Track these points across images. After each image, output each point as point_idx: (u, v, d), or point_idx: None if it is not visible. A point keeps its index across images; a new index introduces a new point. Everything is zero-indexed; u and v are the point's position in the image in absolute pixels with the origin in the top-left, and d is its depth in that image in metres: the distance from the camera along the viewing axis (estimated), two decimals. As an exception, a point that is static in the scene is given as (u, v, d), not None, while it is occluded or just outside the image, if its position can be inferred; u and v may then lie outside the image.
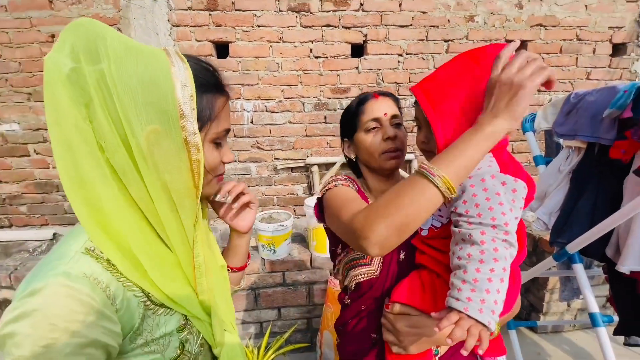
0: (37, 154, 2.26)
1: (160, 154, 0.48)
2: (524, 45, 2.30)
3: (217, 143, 0.56)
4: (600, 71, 2.38)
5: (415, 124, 0.75)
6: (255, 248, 2.00)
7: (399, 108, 0.84)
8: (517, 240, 0.59)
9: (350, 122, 0.85)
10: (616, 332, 1.25)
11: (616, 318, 1.27)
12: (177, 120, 0.48)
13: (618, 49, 2.36)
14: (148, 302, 0.51)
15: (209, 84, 0.53)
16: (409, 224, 0.55)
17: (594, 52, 2.33)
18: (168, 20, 2.11)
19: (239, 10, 2.12)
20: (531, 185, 0.63)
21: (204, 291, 0.57)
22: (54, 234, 2.24)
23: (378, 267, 0.76)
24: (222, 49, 2.22)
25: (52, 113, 0.46)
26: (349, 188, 0.79)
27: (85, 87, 0.44)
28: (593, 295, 1.21)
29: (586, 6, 2.24)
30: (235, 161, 2.37)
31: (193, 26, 2.13)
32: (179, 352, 0.54)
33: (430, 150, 0.71)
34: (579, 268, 1.23)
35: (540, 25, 2.25)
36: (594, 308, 1.17)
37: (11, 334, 0.41)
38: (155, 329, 0.52)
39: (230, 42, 2.17)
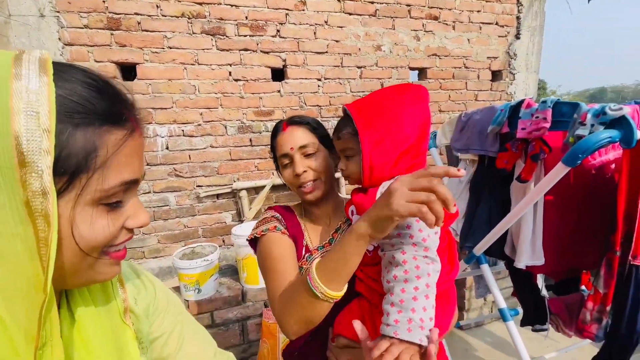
0: None
1: None
2: (424, 71, 2.60)
3: (113, 203, 0.36)
4: (485, 93, 2.82)
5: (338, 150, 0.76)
6: (177, 289, 1.78)
7: (315, 131, 0.82)
8: (448, 254, 0.62)
9: (272, 153, 0.87)
10: (523, 324, 1.40)
11: (521, 310, 1.44)
12: (12, 169, 0.29)
13: (496, 75, 2.84)
14: None
15: (91, 111, 0.34)
16: (313, 318, 0.64)
17: (478, 77, 2.76)
18: (59, 39, 1.84)
19: (147, 30, 1.97)
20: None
21: None
22: None
23: None
24: (128, 71, 2.02)
25: None
26: (276, 235, 0.80)
27: None
28: (499, 291, 1.35)
29: (468, 40, 2.66)
30: (149, 192, 2.12)
31: (91, 45, 1.90)
32: None
33: (349, 176, 0.73)
34: (485, 268, 1.37)
35: (435, 55, 2.59)
36: (502, 304, 1.30)
37: None
38: None
39: (138, 63, 1.99)
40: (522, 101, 1.23)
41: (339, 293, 0.61)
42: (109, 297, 0.46)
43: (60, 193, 0.32)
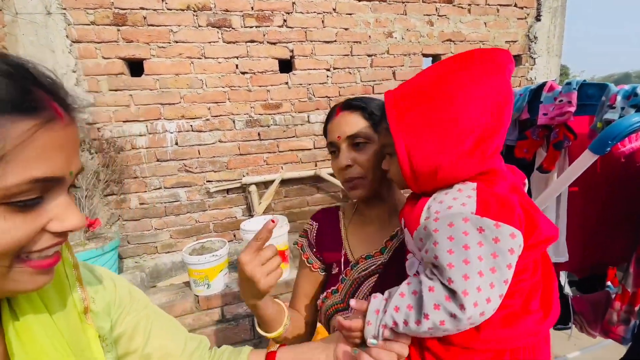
0: None
1: None
2: (438, 58, 2.49)
3: (21, 202, 0.31)
4: (504, 80, 2.68)
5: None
6: (188, 284, 1.79)
7: (372, 118, 0.69)
8: (541, 297, 0.51)
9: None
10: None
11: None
12: None
13: (515, 60, 2.68)
14: None
15: None
16: None
17: (496, 63, 2.62)
18: (67, 36, 1.85)
19: (152, 25, 1.96)
20: (533, 227, 0.47)
21: None
22: None
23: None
24: (136, 67, 2.02)
25: None
26: (304, 271, 0.81)
27: None
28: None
29: (485, 23, 2.52)
30: (160, 188, 2.14)
31: (98, 42, 1.90)
32: None
33: (393, 179, 0.62)
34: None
35: (450, 40, 2.47)
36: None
37: None
38: None
39: (145, 58, 1.98)
40: (543, 84, 1.14)
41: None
42: (65, 299, 0.43)
43: None
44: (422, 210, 0.52)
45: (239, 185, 2.24)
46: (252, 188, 2.24)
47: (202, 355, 0.59)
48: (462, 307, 0.43)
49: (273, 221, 0.56)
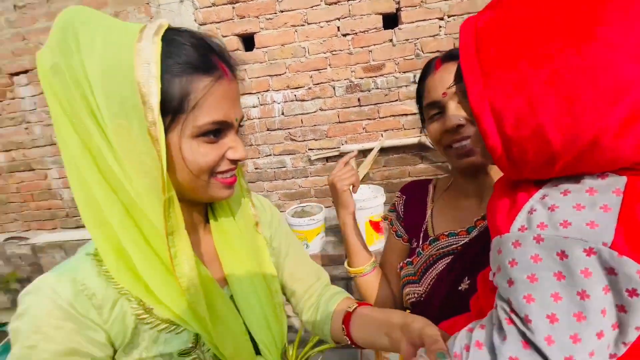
0: (100, 160, 2.52)
1: (129, 153, 0.41)
2: None
3: (210, 137, 0.45)
4: None
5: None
6: (290, 243, 1.96)
7: None
8: None
9: (418, 103, 0.72)
10: None
11: None
12: (138, 108, 0.39)
13: None
14: (144, 315, 0.46)
15: (186, 62, 0.42)
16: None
17: None
18: (195, 20, 2.13)
19: (261, -2, 2.05)
20: None
21: (200, 319, 0.47)
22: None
23: (425, 288, 0.66)
24: (249, 42, 2.18)
25: (57, 129, 0.43)
26: (391, 239, 0.81)
27: (66, 84, 0.40)
28: None
29: None
30: (270, 155, 2.34)
31: (218, 22, 2.12)
32: None
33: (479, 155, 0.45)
34: None
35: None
36: None
37: (13, 331, 0.42)
38: (151, 345, 0.46)
39: (255, 32, 2.11)
40: None
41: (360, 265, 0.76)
42: (243, 212, 0.60)
43: (168, 127, 0.42)
44: (519, 212, 0.35)
45: (337, 153, 2.25)
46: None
47: (318, 287, 0.70)
48: (541, 354, 0.31)
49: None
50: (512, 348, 0.32)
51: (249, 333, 0.55)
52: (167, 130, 0.42)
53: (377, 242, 1.93)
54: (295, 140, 2.28)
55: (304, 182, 2.37)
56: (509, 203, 0.38)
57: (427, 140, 2.05)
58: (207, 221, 0.58)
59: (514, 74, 0.33)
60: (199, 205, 0.56)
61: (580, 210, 0.31)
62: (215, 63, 0.44)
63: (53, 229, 2.75)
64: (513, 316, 0.33)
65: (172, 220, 0.43)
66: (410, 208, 0.78)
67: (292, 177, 2.37)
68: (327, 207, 2.23)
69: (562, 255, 0.30)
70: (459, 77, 0.40)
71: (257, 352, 0.57)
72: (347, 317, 0.61)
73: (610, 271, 0.29)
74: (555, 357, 0.30)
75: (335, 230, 2.13)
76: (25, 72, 2.38)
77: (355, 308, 0.62)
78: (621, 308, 0.30)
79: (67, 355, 0.41)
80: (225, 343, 0.49)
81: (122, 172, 0.42)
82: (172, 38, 0.42)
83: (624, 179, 0.32)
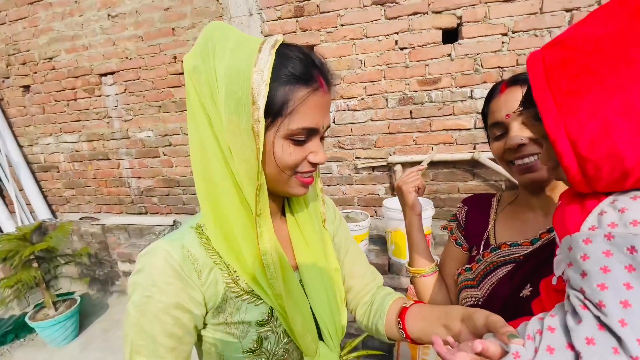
0: (165, 155, 2.78)
1: (235, 142, 0.49)
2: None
3: (296, 140, 0.50)
4: None
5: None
6: (333, 247, 2.00)
7: None
8: None
9: (484, 122, 0.74)
10: None
11: None
12: (248, 107, 0.46)
13: None
14: (232, 284, 0.54)
15: (292, 74, 0.48)
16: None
17: None
18: (261, 32, 2.30)
19: (324, 12, 2.16)
20: None
21: (277, 295, 0.53)
22: (174, 221, 2.72)
23: (484, 293, 0.68)
24: (307, 52, 2.29)
25: (190, 116, 0.52)
26: (449, 247, 0.83)
27: (201, 82, 0.49)
28: None
29: None
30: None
31: (283, 34, 2.27)
32: (255, 346, 0.54)
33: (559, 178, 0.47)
34: None
35: None
36: None
37: (132, 283, 0.51)
38: (235, 312, 0.54)
39: (315, 44, 2.22)
40: None
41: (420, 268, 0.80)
42: (315, 209, 0.66)
43: (268, 126, 0.48)
44: (589, 215, 0.39)
45: (384, 163, 2.26)
46: (398, 167, 2.22)
47: (374, 287, 0.74)
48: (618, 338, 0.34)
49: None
50: (587, 329, 0.35)
51: (314, 318, 0.60)
52: (266, 128, 0.48)
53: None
54: (343, 148, 2.34)
55: (348, 189, 2.42)
56: (578, 208, 0.41)
57: (479, 157, 2.01)
58: (283, 213, 0.65)
59: (588, 102, 0.37)
60: (279, 198, 0.62)
61: None
62: (315, 76, 0.50)
63: (119, 213, 3.07)
64: (587, 302, 0.36)
65: (261, 204, 0.50)
66: (472, 218, 0.79)
67: (337, 184, 2.43)
68: (371, 216, 2.24)
69: (632, 250, 0.34)
70: (527, 103, 0.44)
71: (320, 338, 0.62)
72: (403, 312, 0.65)
73: None
74: (628, 337, 0.33)
75: (378, 241, 2.14)
76: (112, 73, 2.72)
77: (412, 304, 0.66)
78: None
79: (175, 308, 0.49)
80: (295, 320, 0.55)
81: (230, 156, 0.50)
82: (284, 52, 0.49)
83: None
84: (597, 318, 0.35)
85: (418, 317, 0.62)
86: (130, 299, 0.50)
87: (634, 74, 0.35)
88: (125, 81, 2.70)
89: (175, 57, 2.52)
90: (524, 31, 1.89)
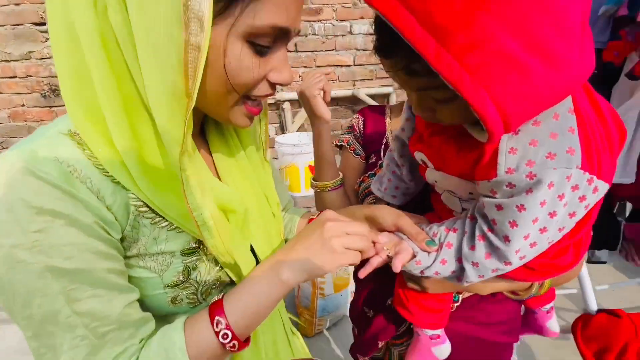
0: None
1: (148, 36, 0.30)
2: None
3: (259, 45, 0.35)
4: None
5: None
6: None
7: None
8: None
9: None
10: (590, 247, 1.29)
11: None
12: None
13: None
14: (144, 208, 0.38)
15: None
16: None
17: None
18: None
19: None
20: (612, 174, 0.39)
21: (221, 254, 0.42)
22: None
23: None
24: None
25: None
26: (344, 153, 0.84)
27: None
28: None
29: None
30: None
31: None
32: (181, 278, 0.42)
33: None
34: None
35: None
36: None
37: None
38: (151, 242, 0.39)
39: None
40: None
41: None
42: (256, 136, 0.54)
43: (216, 16, 0.31)
44: (499, 157, 0.37)
45: (272, 101, 2.18)
46: (286, 105, 2.18)
47: (288, 207, 0.70)
48: (507, 263, 0.42)
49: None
50: (476, 256, 0.43)
51: (253, 251, 0.51)
52: (213, 18, 0.30)
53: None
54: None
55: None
56: (480, 152, 0.39)
57: (359, 93, 2.17)
58: (201, 132, 0.50)
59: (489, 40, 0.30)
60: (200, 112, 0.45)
61: (557, 137, 0.35)
62: None
63: None
64: (489, 234, 0.41)
65: (188, 138, 0.34)
66: (369, 127, 0.82)
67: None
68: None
69: (551, 184, 0.35)
70: (391, 51, 0.37)
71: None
72: (311, 222, 0.62)
73: (574, 188, 0.36)
74: (513, 258, 0.40)
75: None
76: None
77: (319, 214, 0.63)
78: (572, 214, 0.38)
79: (85, 231, 0.34)
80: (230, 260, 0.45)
81: (133, 55, 0.32)
82: None
83: (570, 103, 0.36)
84: (489, 248, 0.42)
85: None
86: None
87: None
88: None
89: None
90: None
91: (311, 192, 2.06)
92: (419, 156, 0.52)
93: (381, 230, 0.53)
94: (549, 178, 0.35)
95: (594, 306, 1.01)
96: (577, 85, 0.36)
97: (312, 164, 1.86)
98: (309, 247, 0.42)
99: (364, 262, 0.51)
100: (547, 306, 0.71)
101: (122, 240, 0.38)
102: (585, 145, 0.35)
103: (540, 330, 0.73)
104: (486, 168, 0.39)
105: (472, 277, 0.44)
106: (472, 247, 0.44)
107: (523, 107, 0.32)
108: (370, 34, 0.40)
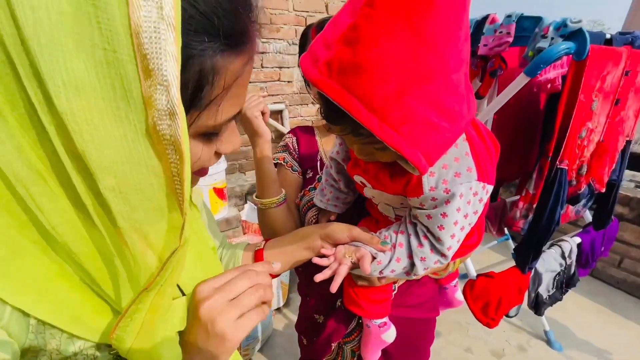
0: None
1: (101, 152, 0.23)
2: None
3: (211, 134, 0.33)
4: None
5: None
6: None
7: None
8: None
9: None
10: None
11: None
12: (136, 80, 0.22)
13: None
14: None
15: (214, 30, 0.26)
16: None
17: None
18: None
19: None
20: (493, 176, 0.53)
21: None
22: None
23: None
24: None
25: None
26: (281, 169, 0.86)
27: None
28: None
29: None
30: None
31: None
32: None
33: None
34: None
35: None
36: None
37: None
38: (66, 342, 0.30)
39: None
40: (487, 17, 1.25)
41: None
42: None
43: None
44: (423, 179, 0.49)
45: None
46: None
47: (223, 246, 0.64)
48: (443, 256, 0.54)
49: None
50: (423, 252, 0.53)
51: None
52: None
53: (222, 210, 1.90)
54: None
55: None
56: (408, 176, 0.51)
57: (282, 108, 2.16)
58: None
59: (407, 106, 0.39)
60: None
61: (459, 160, 0.48)
62: (248, 34, 0.29)
63: None
64: (428, 234, 0.53)
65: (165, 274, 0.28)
66: (303, 145, 0.87)
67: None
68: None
69: (461, 195, 0.48)
70: (337, 119, 0.44)
71: None
72: (258, 253, 0.61)
73: (475, 194, 0.49)
74: (446, 252, 0.52)
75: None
76: None
77: (265, 243, 0.63)
78: (475, 212, 0.51)
79: None
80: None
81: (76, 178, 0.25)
82: None
83: (463, 133, 0.48)
84: (432, 245, 0.52)
85: (277, 252, 0.61)
86: None
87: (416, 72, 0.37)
88: None
89: None
90: None
91: (220, 214, 1.96)
92: (358, 179, 0.60)
93: (337, 244, 0.57)
94: (459, 191, 0.48)
95: (473, 273, 1.29)
96: (468, 126, 0.50)
97: (217, 186, 1.78)
98: (195, 348, 0.35)
99: (321, 268, 0.54)
100: (454, 281, 0.88)
101: (25, 353, 0.28)
102: (477, 163, 0.49)
103: (450, 303, 0.90)
104: (415, 188, 0.51)
105: (420, 270, 0.54)
106: (420, 244, 0.53)
107: (440, 150, 0.43)
108: None
